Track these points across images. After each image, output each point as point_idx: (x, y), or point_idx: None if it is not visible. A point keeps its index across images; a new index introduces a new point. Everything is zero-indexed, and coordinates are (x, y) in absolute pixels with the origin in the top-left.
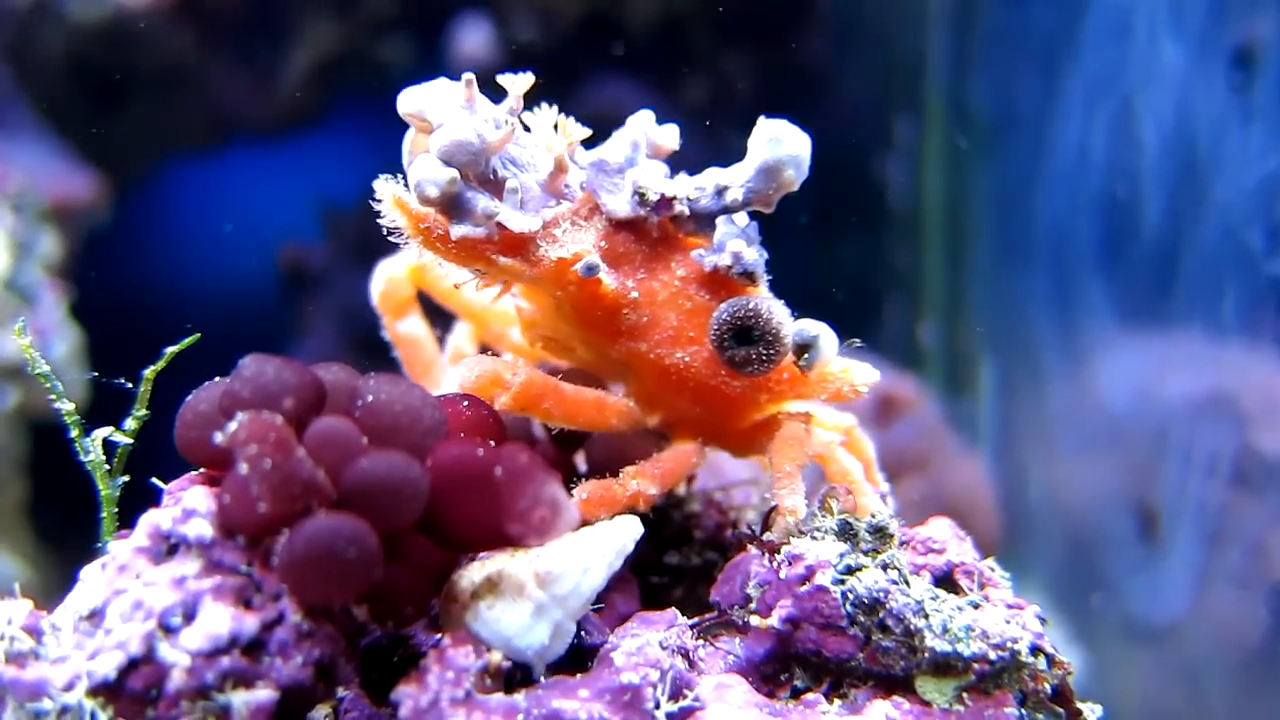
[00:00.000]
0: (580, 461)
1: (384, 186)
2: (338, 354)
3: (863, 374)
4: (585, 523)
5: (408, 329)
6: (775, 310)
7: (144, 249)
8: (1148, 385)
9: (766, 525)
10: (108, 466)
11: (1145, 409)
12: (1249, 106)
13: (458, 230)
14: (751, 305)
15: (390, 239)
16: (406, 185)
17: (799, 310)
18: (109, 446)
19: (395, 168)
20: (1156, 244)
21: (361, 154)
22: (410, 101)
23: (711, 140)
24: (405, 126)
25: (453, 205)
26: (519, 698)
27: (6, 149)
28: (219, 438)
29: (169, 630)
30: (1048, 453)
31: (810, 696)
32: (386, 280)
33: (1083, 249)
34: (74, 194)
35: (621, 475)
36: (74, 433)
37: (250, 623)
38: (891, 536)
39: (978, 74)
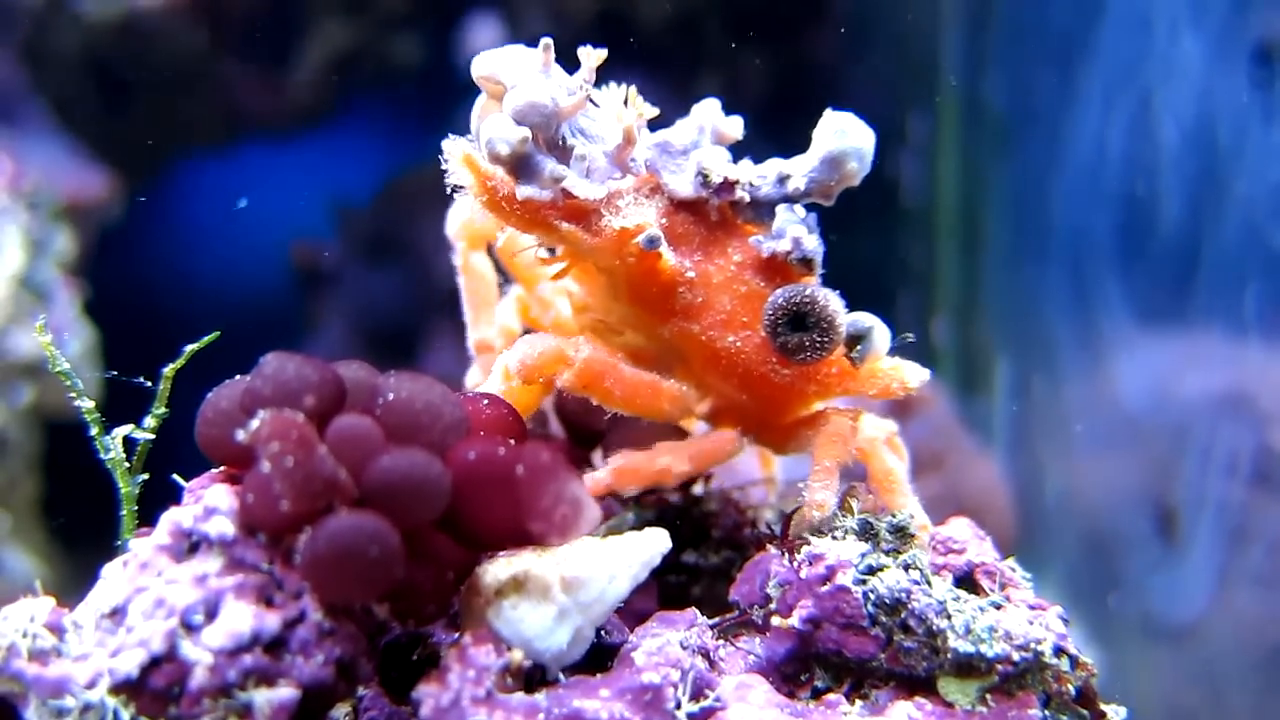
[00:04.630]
0: (598, 460)
1: (453, 145)
2: (351, 351)
3: (913, 373)
4: (614, 495)
5: (479, 262)
6: (831, 299)
7: (157, 246)
8: (1166, 383)
9: (787, 526)
10: (128, 464)
11: (1164, 407)
12: (1270, 103)
13: (524, 191)
14: (808, 292)
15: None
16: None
17: None
18: (128, 444)
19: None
20: (1176, 241)
21: (374, 151)
22: (485, 64)
23: None
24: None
25: (521, 165)
26: (540, 697)
27: (21, 147)
28: (241, 435)
29: (191, 628)
30: (1064, 451)
31: (831, 697)
32: (472, 210)
33: (1100, 246)
34: (88, 192)
35: (655, 449)
36: (94, 430)
37: (272, 621)
38: (913, 536)
39: (993, 70)
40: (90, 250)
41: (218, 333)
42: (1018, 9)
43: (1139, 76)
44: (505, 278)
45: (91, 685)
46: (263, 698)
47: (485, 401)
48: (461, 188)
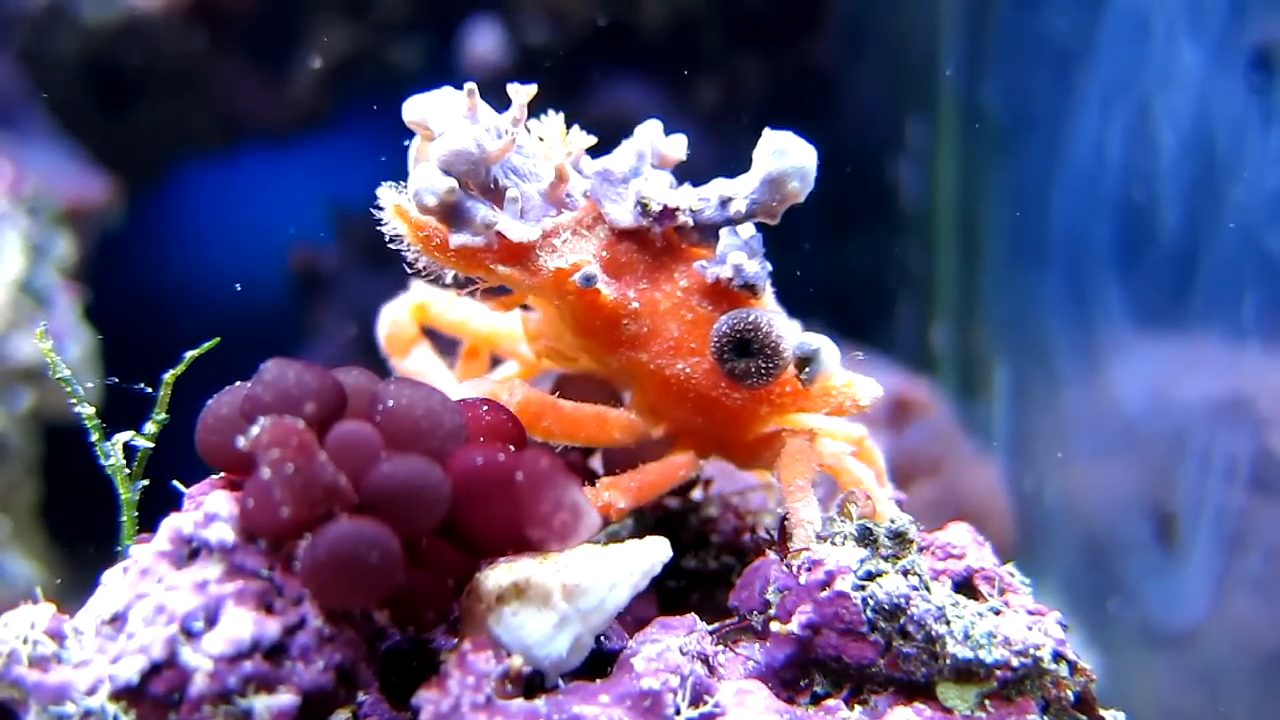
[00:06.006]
0: (597, 465)
1: (386, 195)
2: (349, 356)
3: (866, 388)
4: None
5: (413, 364)
6: (776, 323)
7: (157, 251)
8: (1164, 388)
9: (783, 534)
10: (128, 470)
11: (1162, 412)
12: (1269, 108)
13: (456, 239)
14: (751, 318)
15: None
16: None
17: (810, 312)
18: (129, 450)
19: (406, 171)
20: (1174, 247)
21: (373, 156)
22: (415, 110)
23: (723, 143)
24: (415, 135)
25: (452, 214)
26: (539, 703)
27: (21, 152)
28: (241, 442)
29: (191, 634)
30: (1063, 456)
31: (831, 702)
32: (390, 323)
33: (1098, 251)
34: (88, 197)
35: (598, 484)
36: (94, 436)
37: (272, 627)
38: (911, 542)
39: (991, 75)
40: (90, 255)
41: (218, 339)
42: (1016, 14)
43: (1137, 82)
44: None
45: (92, 692)
46: (263, 704)
47: (485, 408)
48: (398, 237)
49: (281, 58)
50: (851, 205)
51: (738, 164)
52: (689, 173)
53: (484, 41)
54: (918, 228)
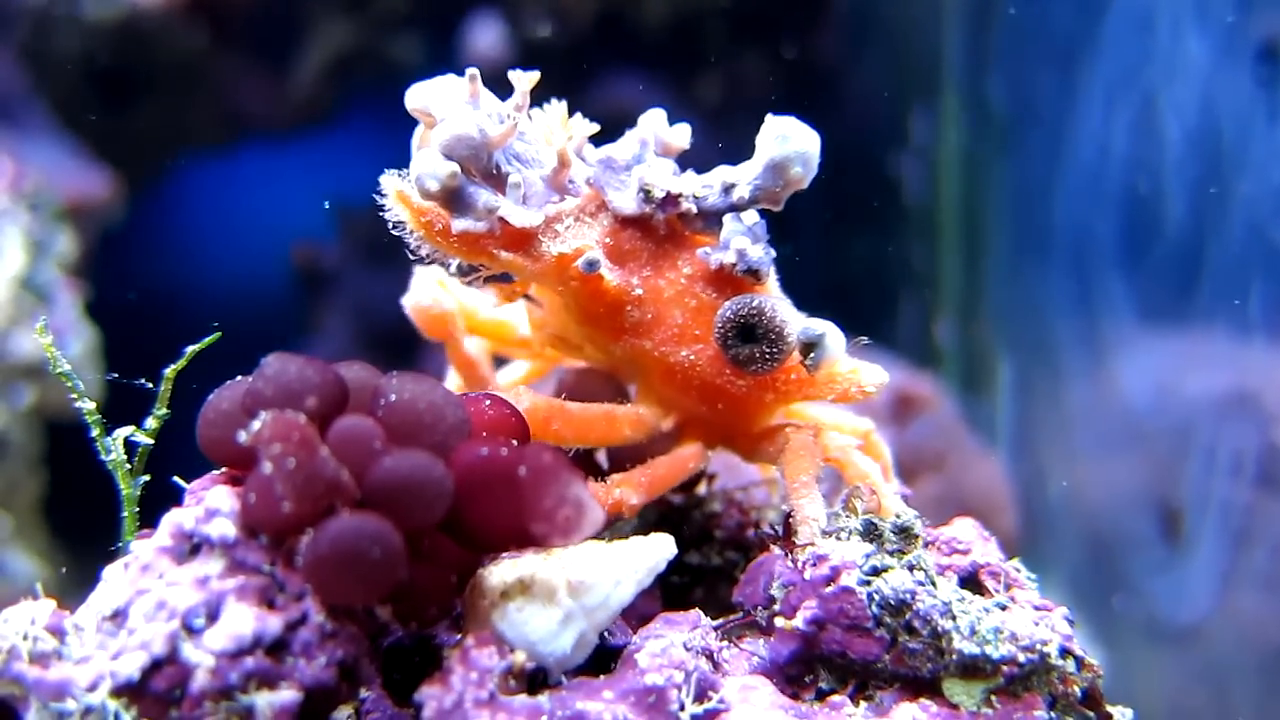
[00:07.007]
0: (602, 460)
1: (388, 181)
2: (351, 352)
3: (871, 375)
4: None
5: (472, 348)
6: (779, 309)
7: (158, 248)
8: (1169, 383)
9: (788, 529)
10: (129, 466)
11: (1167, 407)
12: (1275, 101)
13: (459, 224)
14: (755, 303)
15: (404, 239)
16: None
17: (813, 308)
18: (129, 446)
19: (407, 166)
20: (1179, 241)
21: (375, 152)
22: (417, 97)
23: (725, 138)
24: (416, 124)
25: (453, 199)
26: (543, 699)
27: (22, 148)
28: (242, 436)
29: (192, 630)
30: (1067, 452)
31: (836, 698)
32: (421, 299)
33: (1103, 246)
34: (89, 193)
35: (608, 481)
36: (95, 432)
37: (274, 623)
38: (916, 537)
39: (995, 70)
40: (91, 251)
41: (219, 334)
42: (1020, 8)
43: (1142, 76)
44: None
45: (93, 688)
46: (264, 700)
47: (487, 402)
48: (401, 223)
49: (282, 54)
50: (854, 200)
51: (739, 160)
52: (690, 168)
53: (486, 37)
54: (921, 223)
